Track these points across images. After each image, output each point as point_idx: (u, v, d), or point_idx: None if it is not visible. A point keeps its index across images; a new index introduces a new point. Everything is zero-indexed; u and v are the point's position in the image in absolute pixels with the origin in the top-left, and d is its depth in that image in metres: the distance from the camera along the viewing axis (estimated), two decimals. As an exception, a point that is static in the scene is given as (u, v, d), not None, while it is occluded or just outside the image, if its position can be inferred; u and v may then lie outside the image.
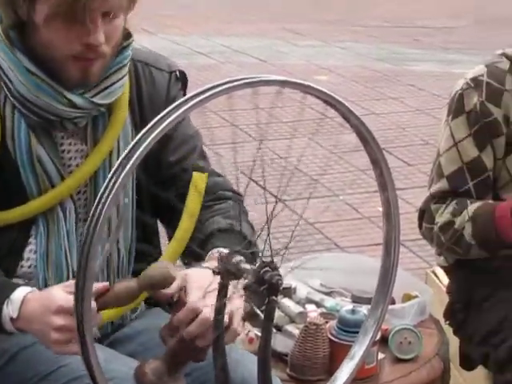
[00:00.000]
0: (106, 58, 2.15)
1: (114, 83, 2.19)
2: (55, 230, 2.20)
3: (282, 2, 9.44)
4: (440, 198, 2.77)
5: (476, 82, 2.77)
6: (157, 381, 1.74)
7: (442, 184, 2.77)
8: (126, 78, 2.24)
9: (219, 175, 2.34)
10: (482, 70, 2.79)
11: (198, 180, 2.21)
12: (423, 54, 7.84)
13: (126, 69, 2.23)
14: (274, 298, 1.72)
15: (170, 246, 2.23)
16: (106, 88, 2.18)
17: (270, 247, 1.65)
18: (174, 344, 1.85)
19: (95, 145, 2.22)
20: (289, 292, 2.42)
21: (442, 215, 2.74)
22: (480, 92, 2.75)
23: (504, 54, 2.82)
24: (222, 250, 1.90)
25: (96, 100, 2.17)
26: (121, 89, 2.21)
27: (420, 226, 2.87)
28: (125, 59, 2.21)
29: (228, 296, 1.76)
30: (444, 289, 3.04)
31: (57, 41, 2.09)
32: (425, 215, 2.82)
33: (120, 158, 1.35)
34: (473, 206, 2.69)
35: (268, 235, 1.63)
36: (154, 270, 1.86)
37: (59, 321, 1.88)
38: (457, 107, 2.78)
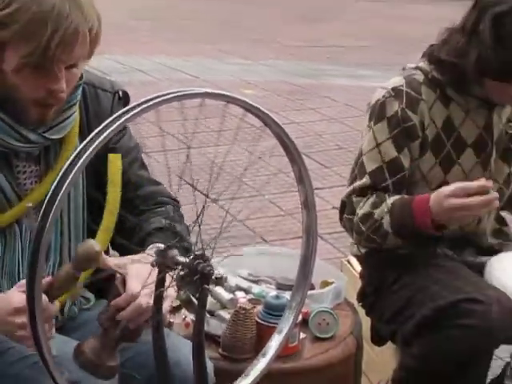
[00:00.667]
0: (61, 104, 2.15)
1: (65, 119, 2.19)
2: (11, 245, 2.19)
3: (211, 26, 9.43)
4: (361, 192, 2.77)
5: (396, 91, 2.78)
6: (93, 358, 1.76)
7: (364, 180, 2.77)
8: (77, 113, 2.23)
9: (158, 183, 2.35)
10: (401, 81, 2.80)
11: (114, 166, 2.21)
12: (336, 69, 7.89)
13: (77, 105, 2.23)
14: (206, 286, 1.76)
15: (103, 223, 2.25)
16: (58, 124, 2.18)
17: (201, 241, 1.68)
18: (109, 326, 1.86)
19: (47, 165, 2.22)
20: (220, 281, 2.41)
21: (363, 207, 2.74)
22: (400, 100, 2.77)
23: (418, 68, 2.84)
24: (159, 245, 1.91)
25: (48, 135, 2.17)
26: (71, 123, 2.21)
27: (341, 217, 2.86)
28: (76, 98, 2.21)
29: (166, 286, 1.79)
30: (357, 275, 3.06)
31: (23, 87, 2.08)
32: (346, 207, 2.81)
33: (64, 167, 1.38)
34: (391, 199, 2.70)
35: (199, 230, 1.65)
36: (79, 248, 1.86)
37: (19, 319, 1.89)
38: (379, 113, 2.79)
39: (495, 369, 2.84)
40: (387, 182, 2.76)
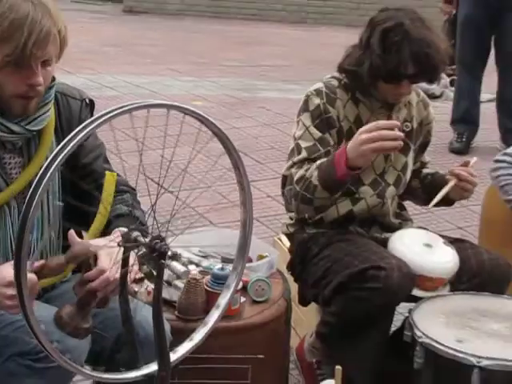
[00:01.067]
0: (40, 96, 2.15)
1: (42, 114, 2.18)
2: (2, 223, 2.17)
3: (167, 51, 9.43)
4: (299, 164, 2.76)
5: (318, 91, 2.80)
6: (70, 321, 1.77)
7: (302, 154, 2.76)
8: (52, 110, 2.23)
9: (118, 175, 2.33)
10: (321, 84, 2.83)
11: (110, 178, 2.22)
12: (267, 85, 7.93)
13: (52, 103, 2.22)
14: (162, 261, 1.76)
15: (92, 227, 2.23)
16: (37, 118, 2.17)
17: (158, 225, 1.69)
18: (82, 294, 1.87)
19: (29, 157, 2.21)
20: (175, 257, 2.40)
21: (299, 172, 2.73)
22: (321, 97, 2.79)
23: (333, 76, 2.87)
24: (122, 229, 1.91)
25: (29, 127, 2.16)
26: (47, 118, 2.20)
27: (283, 191, 2.86)
28: (50, 96, 2.20)
29: (131, 263, 1.80)
30: (286, 250, 3.06)
31: (7, 83, 2.07)
32: (287, 180, 2.80)
33: (47, 161, 1.47)
34: (320, 160, 2.71)
35: (154, 216, 1.67)
36: (77, 247, 1.88)
37: (9, 291, 1.89)
38: (304, 107, 2.81)
39: (397, 322, 2.85)
40: (320, 152, 2.75)
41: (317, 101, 2.79)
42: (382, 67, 2.68)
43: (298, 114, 2.85)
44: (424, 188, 3.03)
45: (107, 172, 2.26)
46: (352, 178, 2.70)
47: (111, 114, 1.58)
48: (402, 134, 2.59)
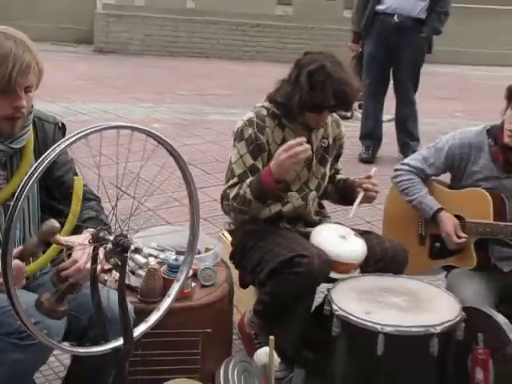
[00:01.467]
0: (24, 118, 2.12)
1: (23, 134, 2.16)
2: None
3: (130, 82, 9.36)
4: (233, 186, 2.78)
5: (250, 121, 2.81)
6: (49, 305, 1.77)
7: (234, 180, 2.78)
8: (31, 131, 2.20)
9: (85, 185, 2.30)
10: (253, 114, 2.83)
11: (79, 182, 2.18)
12: (213, 109, 7.92)
13: (30, 125, 2.20)
14: (126, 254, 1.75)
15: (66, 226, 2.19)
16: (18, 138, 2.15)
17: (119, 224, 1.68)
18: (58, 282, 1.88)
19: (12, 171, 2.18)
20: (138, 251, 2.37)
21: (233, 192, 2.76)
22: (253, 127, 2.79)
23: (263, 106, 2.86)
24: (91, 230, 1.88)
25: (12, 145, 2.13)
26: (27, 138, 2.18)
27: (222, 206, 2.86)
28: (29, 119, 2.18)
29: (100, 257, 1.80)
30: (229, 243, 3.04)
31: None
32: (224, 198, 2.82)
33: (27, 175, 1.52)
34: (249, 180, 2.75)
35: (116, 217, 1.67)
36: (43, 225, 1.86)
37: None
38: (240, 136, 2.81)
39: (318, 299, 2.85)
40: (249, 179, 2.77)
41: (250, 131, 2.79)
42: (310, 101, 2.71)
43: (235, 140, 2.84)
44: (337, 191, 3.07)
45: (75, 177, 2.22)
46: (279, 188, 2.76)
47: (78, 136, 1.59)
48: (309, 146, 2.66)
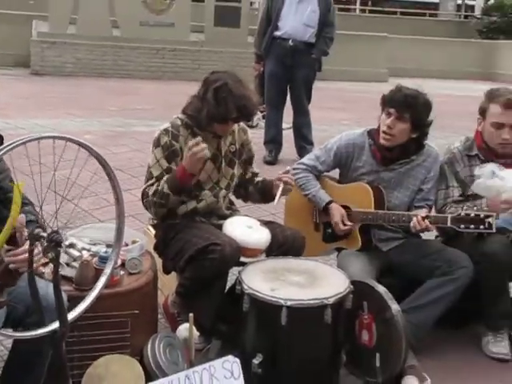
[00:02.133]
0: None
1: None
2: None
3: (64, 100, 9.11)
4: (152, 185, 2.75)
5: (166, 131, 2.79)
6: None
7: (153, 180, 2.75)
8: None
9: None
10: (169, 124, 2.81)
11: (17, 188, 2.09)
12: (138, 122, 7.81)
13: None
14: (59, 249, 1.69)
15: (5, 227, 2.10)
16: None
17: (45, 223, 1.63)
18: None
19: None
20: (72, 245, 2.31)
21: (152, 188, 2.73)
22: (168, 135, 2.77)
23: (178, 117, 2.83)
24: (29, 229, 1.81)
25: None
26: None
27: (143, 202, 2.82)
28: None
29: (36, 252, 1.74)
30: (153, 236, 2.99)
31: None
32: (144, 195, 2.78)
33: None
34: (165, 177, 2.72)
35: (42, 215, 1.60)
36: None
37: None
38: (157, 143, 2.78)
39: (232, 281, 2.84)
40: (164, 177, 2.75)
41: (165, 138, 2.77)
42: (216, 115, 2.71)
43: (153, 146, 2.81)
44: (258, 191, 3.03)
45: (16, 183, 2.13)
46: (192, 183, 2.74)
47: (13, 145, 1.53)
48: (205, 145, 2.64)
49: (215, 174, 2.87)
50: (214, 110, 2.68)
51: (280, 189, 2.84)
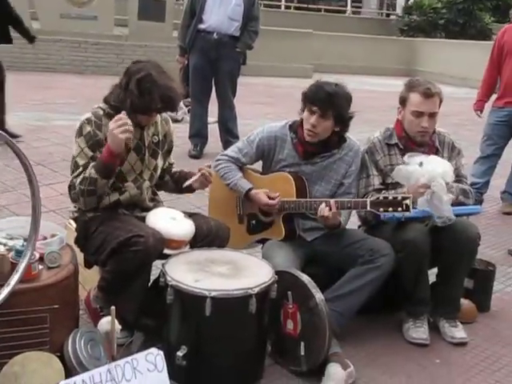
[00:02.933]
0: None
1: None
2: None
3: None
4: (79, 175, 2.67)
5: (88, 120, 2.71)
6: None
7: (79, 169, 2.67)
8: None
9: None
10: (90, 114, 2.73)
11: None
12: (60, 116, 7.60)
13: None
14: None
15: None
16: None
17: None
18: None
19: None
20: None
21: (79, 178, 2.65)
22: (91, 125, 2.70)
23: (99, 107, 2.77)
24: None
25: None
26: None
27: (70, 195, 2.73)
28: None
29: None
30: (74, 230, 2.91)
31: None
32: (71, 187, 2.69)
33: None
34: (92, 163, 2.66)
35: None
36: None
37: None
38: (79, 132, 2.71)
39: (156, 275, 2.79)
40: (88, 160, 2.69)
41: (88, 128, 2.70)
42: (140, 105, 2.66)
43: (75, 136, 2.74)
44: (174, 181, 3.04)
45: None
46: (117, 163, 2.67)
47: None
48: (129, 121, 2.58)
49: (138, 165, 2.83)
50: (138, 100, 2.63)
51: (196, 176, 2.84)
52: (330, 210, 2.85)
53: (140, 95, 2.63)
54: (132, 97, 2.64)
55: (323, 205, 2.87)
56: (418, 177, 2.87)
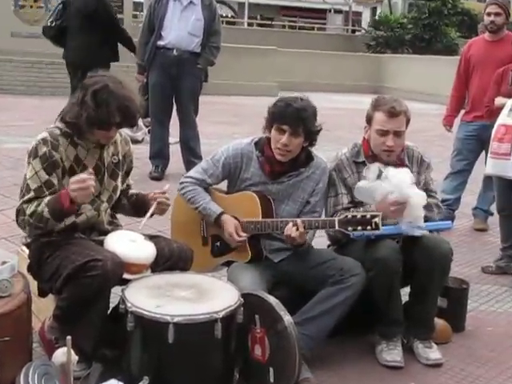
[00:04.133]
0: None
1: None
2: None
3: None
4: (28, 202, 2.62)
5: (44, 140, 2.68)
6: None
7: (30, 194, 2.62)
8: None
9: None
10: (46, 134, 2.70)
11: None
12: (12, 139, 7.54)
13: None
14: None
15: None
16: None
17: None
18: None
19: None
20: None
21: (30, 208, 2.60)
22: (47, 145, 2.66)
23: (56, 126, 2.73)
24: None
25: None
26: None
27: (17, 220, 2.68)
28: None
29: None
30: (26, 256, 2.85)
31: None
32: (20, 212, 2.65)
33: None
34: (47, 199, 2.60)
35: None
36: None
37: None
38: (34, 153, 2.66)
39: (116, 302, 2.73)
40: (45, 193, 2.64)
41: (44, 148, 2.66)
42: (97, 118, 2.63)
43: (29, 157, 2.69)
44: (131, 204, 3.02)
45: None
46: (76, 210, 2.67)
47: None
48: (89, 184, 2.55)
49: (97, 186, 2.78)
50: (95, 113, 2.61)
51: (152, 209, 2.84)
52: (297, 230, 2.85)
53: (96, 107, 2.61)
54: (88, 110, 2.62)
55: (290, 224, 2.87)
56: (382, 192, 2.89)
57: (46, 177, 2.65)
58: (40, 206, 2.60)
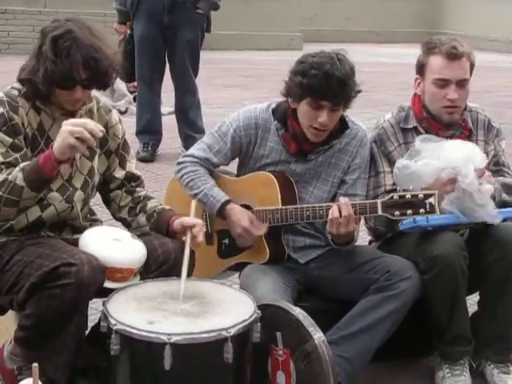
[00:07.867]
0: None
1: None
2: None
3: None
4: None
5: (0, 101, 2.69)
6: None
7: None
8: None
9: None
10: (2, 94, 2.72)
11: None
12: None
13: None
14: None
15: None
16: None
17: None
18: None
19: None
20: None
21: (1, 177, 2.60)
22: (4, 106, 2.68)
23: (13, 87, 2.76)
24: None
25: None
26: None
27: None
28: None
29: None
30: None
31: None
32: None
33: None
34: (23, 163, 2.62)
35: None
36: None
37: None
38: None
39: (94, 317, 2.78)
40: (14, 156, 2.65)
41: (1, 109, 2.69)
42: (56, 72, 2.63)
43: None
44: (153, 226, 2.92)
45: None
46: (55, 175, 2.65)
47: None
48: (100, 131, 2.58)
49: (66, 168, 2.80)
50: (54, 65, 2.62)
51: (188, 241, 2.73)
52: (340, 215, 2.83)
53: (56, 58, 2.62)
54: (46, 62, 2.64)
55: (335, 207, 2.84)
56: (433, 173, 2.85)
57: (10, 139, 2.67)
58: (12, 173, 2.60)
